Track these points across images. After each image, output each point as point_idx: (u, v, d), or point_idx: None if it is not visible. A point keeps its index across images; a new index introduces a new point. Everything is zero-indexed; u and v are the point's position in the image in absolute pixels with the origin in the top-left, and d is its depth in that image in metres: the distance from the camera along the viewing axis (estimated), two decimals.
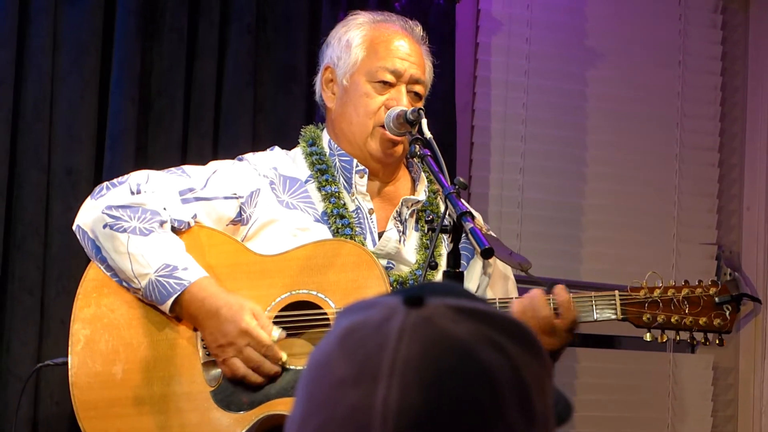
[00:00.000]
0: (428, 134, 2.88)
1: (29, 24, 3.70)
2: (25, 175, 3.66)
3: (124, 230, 2.84)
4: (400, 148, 3.05)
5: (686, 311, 2.89)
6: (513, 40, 4.61)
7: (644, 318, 2.88)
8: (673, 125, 4.83)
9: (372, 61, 3.07)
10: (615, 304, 2.88)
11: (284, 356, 2.80)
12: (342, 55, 3.11)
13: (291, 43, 4.08)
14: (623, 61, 4.77)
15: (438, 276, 2.90)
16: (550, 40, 4.67)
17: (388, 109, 3.01)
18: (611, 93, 4.76)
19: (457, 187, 2.68)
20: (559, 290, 2.83)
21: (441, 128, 3.91)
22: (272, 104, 4.05)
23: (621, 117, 4.76)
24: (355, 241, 2.96)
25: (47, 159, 3.69)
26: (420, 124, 2.91)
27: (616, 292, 2.89)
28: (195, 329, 2.87)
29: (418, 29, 3.17)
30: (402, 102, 3.01)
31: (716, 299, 2.90)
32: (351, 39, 3.11)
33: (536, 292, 2.82)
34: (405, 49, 3.09)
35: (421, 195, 3.10)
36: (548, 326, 2.78)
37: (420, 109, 2.95)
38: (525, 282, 3.28)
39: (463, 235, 2.61)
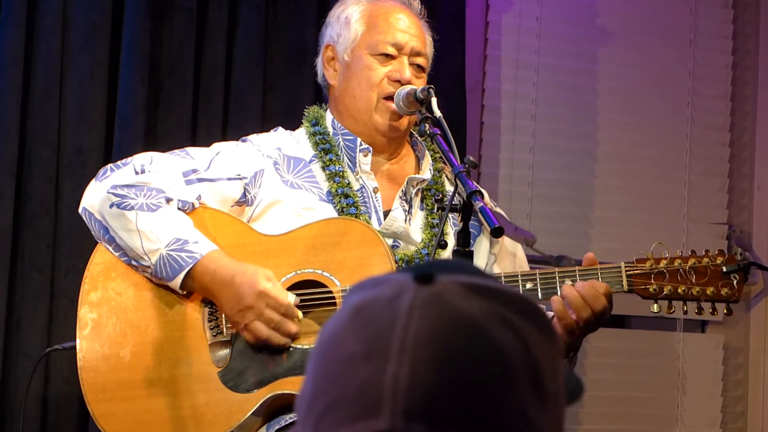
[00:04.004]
0: (438, 113, 2.88)
1: (39, 3, 3.70)
2: (35, 154, 3.67)
3: (132, 207, 2.84)
4: (404, 121, 3.05)
5: (693, 281, 2.88)
6: (523, 19, 4.59)
7: (651, 289, 2.87)
8: (684, 105, 4.81)
9: (372, 34, 3.07)
10: (621, 276, 2.87)
11: (300, 314, 2.81)
12: (342, 32, 3.11)
13: (301, 23, 4.07)
14: (634, 40, 4.75)
15: (447, 255, 2.90)
16: (560, 19, 4.66)
17: (391, 80, 3.02)
18: (622, 72, 4.74)
19: (467, 165, 2.68)
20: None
21: (451, 107, 3.90)
22: (282, 84, 4.05)
23: (632, 96, 4.75)
24: (360, 219, 2.96)
25: (57, 138, 3.70)
26: (429, 102, 2.91)
27: (622, 264, 2.88)
28: (202, 310, 2.87)
29: (416, 3, 3.18)
30: (404, 74, 3.02)
31: (723, 268, 2.88)
32: (350, 15, 3.12)
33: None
34: (404, 22, 3.09)
35: (426, 173, 3.10)
36: (600, 313, 2.80)
37: (430, 87, 2.95)
38: (535, 260, 3.28)
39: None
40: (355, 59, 3.08)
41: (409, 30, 3.09)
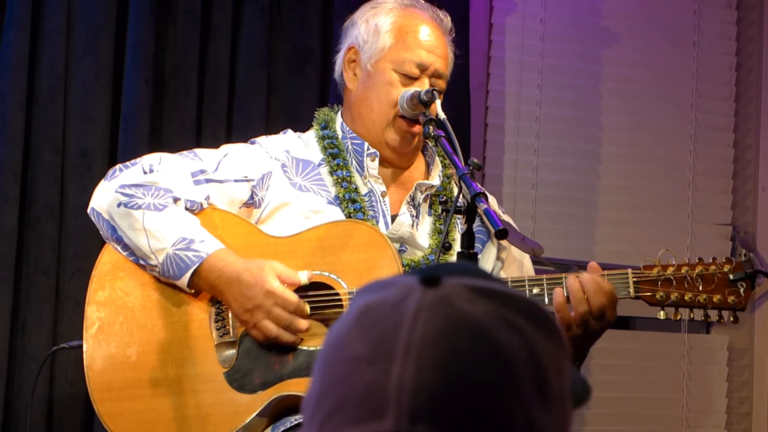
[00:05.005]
0: (442, 115, 2.87)
1: (43, 6, 3.70)
2: (39, 157, 3.67)
3: (139, 207, 2.85)
4: (415, 140, 3.04)
5: (700, 289, 2.87)
6: (527, 21, 4.59)
7: (657, 296, 2.86)
8: (688, 106, 4.81)
9: (399, 50, 3.04)
10: (628, 283, 2.87)
11: (308, 308, 2.82)
12: (369, 39, 3.07)
13: (304, 24, 4.08)
14: (638, 41, 4.75)
15: (452, 258, 2.90)
16: (564, 20, 4.66)
17: None
18: (626, 73, 4.74)
19: (471, 167, 2.67)
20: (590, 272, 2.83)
21: (455, 109, 3.90)
22: (286, 86, 4.05)
23: (636, 97, 4.75)
24: (367, 222, 2.96)
25: (62, 141, 3.70)
26: (434, 104, 2.91)
27: (629, 270, 2.88)
28: (209, 310, 2.88)
29: (447, 20, 3.14)
30: None
31: (731, 276, 2.87)
32: (380, 24, 3.08)
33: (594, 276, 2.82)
34: (433, 41, 3.06)
35: (435, 179, 3.09)
36: (599, 311, 2.78)
37: (434, 89, 2.94)
38: (538, 264, 3.28)
39: (478, 217, 2.62)
40: (379, 71, 3.06)
41: (436, 51, 3.06)
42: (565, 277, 2.83)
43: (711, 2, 4.87)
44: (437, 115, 2.88)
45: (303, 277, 2.82)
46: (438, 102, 2.91)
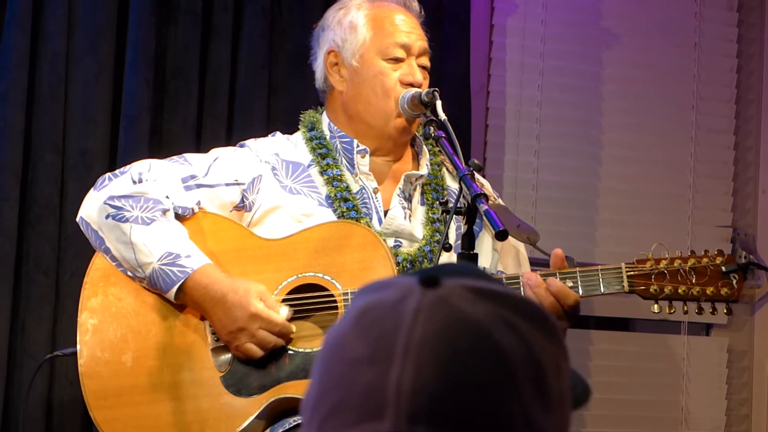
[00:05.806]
0: (443, 116, 2.88)
1: (44, 6, 3.70)
2: (40, 157, 3.67)
3: (127, 220, 2.84)
4: (415, 125, 3.06)
5: (693, 281, 2.89)
6: (528, 22, 4.59)
7: (651, 290, 2.88)
8: (689, 108, 4.81)
9: (380, 38, 3.06)
10: (622, 277, 2.88)
11: (294, 328, 2.81)
12: (347, 37, 3.09)
13: (305, 25, 4.06)
14: (639, 43, 4.75)
15: (452, 258, 2.90)
16: (565, 22, 4.66)
17: (404, 84, 3.02)
18: (627, 75, 4.74)
19: (471, 168, 2.68)
20: (552, 281, 2.83)
21: (456, 110, 3.90)
22: (286, 87, 4.05)
23: (636, 99, 4.75)
24: (361, 222, 2.96)
25: (62, 140, 3.70)
26: (434, 105, 2.91)
27: (623, 265, 2.89)
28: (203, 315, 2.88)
29: (415, 4, 3.18)
30: (416, 76, 3.02)
31: (723, 268, 2.90)
32: (354, 20, 3.10)
33: (534, 281, 2.82)
34: (409, 22, 3.10)
35: (423, 169, 3.10)
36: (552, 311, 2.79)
37: (435, 90, 2.95)
38: (540, 263, 3.27)
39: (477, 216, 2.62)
40: (366, 65, 3.07)
41: (415, 30, 3.09)
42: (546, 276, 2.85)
43: (712, 4, 4.87)
44: (438, 115, 2.88)
45: (283, 313, 2.82)
46: (439, 103, 2.91)
